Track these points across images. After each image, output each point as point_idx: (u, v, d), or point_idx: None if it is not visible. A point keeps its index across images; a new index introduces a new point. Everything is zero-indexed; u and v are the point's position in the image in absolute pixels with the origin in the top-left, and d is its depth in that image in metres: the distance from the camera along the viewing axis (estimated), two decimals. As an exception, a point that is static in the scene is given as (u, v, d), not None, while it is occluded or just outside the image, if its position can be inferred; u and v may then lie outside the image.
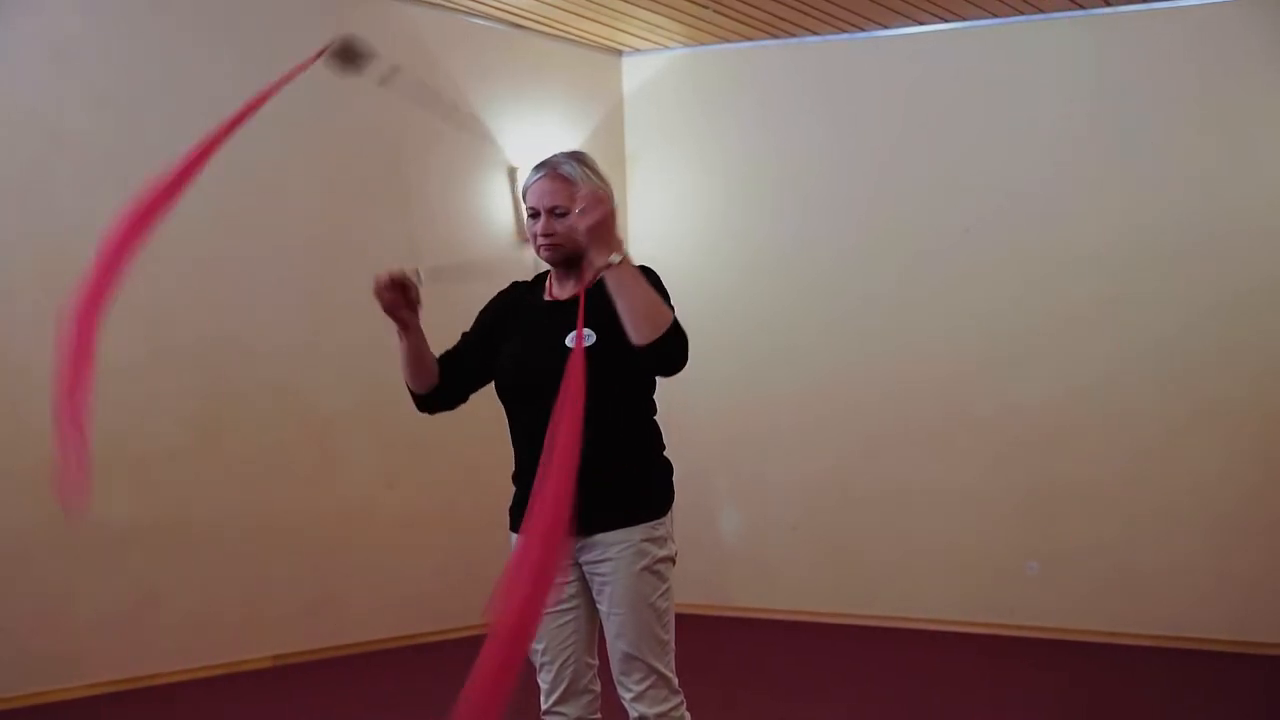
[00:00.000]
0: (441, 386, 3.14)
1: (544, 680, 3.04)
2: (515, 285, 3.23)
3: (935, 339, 6.62)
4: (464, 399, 3.21)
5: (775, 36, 6.85)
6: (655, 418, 3.05)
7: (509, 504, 3.11)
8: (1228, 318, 6.10)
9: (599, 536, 2.90)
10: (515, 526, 3.03)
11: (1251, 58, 6.11)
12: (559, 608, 2.98)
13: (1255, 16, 6.03)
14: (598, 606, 2.97)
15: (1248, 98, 6.13)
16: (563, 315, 2.93)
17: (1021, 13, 6.36)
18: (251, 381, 5.83)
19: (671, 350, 2.77)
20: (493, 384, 3.16)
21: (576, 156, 3.01)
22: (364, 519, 6.23)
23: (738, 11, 6.39)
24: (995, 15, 6.41)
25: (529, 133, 6.80)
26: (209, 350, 5.71)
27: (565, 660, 2.99)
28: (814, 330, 6.88)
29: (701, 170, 7.14)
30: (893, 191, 6.78)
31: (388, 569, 6.27)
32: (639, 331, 2.73)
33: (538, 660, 3.02)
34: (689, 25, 6.66)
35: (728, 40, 6.93)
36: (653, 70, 7.20)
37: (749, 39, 6.90)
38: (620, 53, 7.19)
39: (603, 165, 7.62)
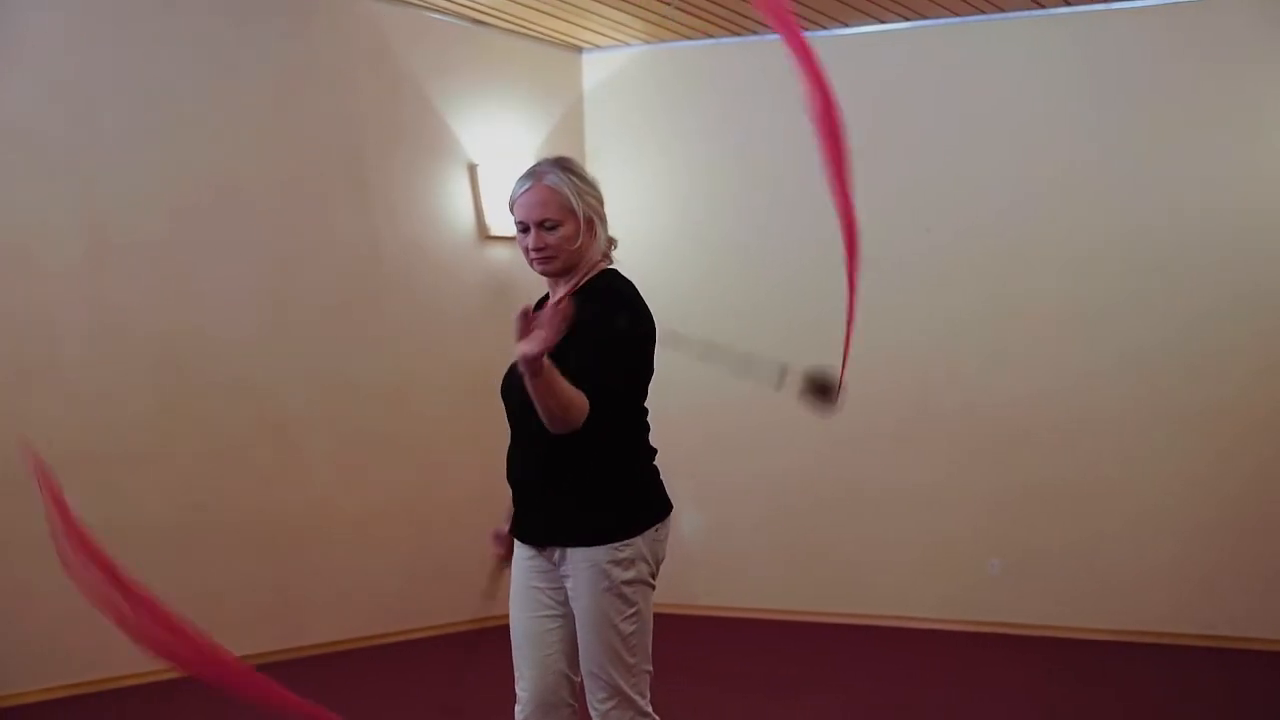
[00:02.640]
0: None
1: (521, 689, 3.00)
2: (542, 299, 3.11)
3: (903, 339, 6.66)
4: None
5: (736, 34, 6.88)
6: (638, 430, 2.97)
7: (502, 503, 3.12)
8: (1202, 323, 6.19)
9: (568, 552, 2.89)
10: (509, 527, 3.07)
11: (1232, 54, 6.18)
12: (542, 613, 2.97)
13: (1238, 11, 6.10)
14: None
15: (1227, 97, 6.19)
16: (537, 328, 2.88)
17: (983, 12, 6.42)
18: (209, 380, 5.79)
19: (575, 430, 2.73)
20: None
21: (562, 164, 2.95)
22: (324, 518, 6.20)
23: (699, 8, 6.42)
24: (957, 14, 6.47)
25: (489, 130, 6.80)
26: (166, 348, 5.67)
27: (546, 669, 2.96)
28: (778, 330, 6.89)
29: (663, 168, 7.15)
30: (858, 190, 6.80)
31: (349, 568, 6.25)
32: (547, 424, 2.70)
33: (517, 668, 3.00)
34: (650, 22, 6.68)
35: (689, 37, 6.95)
36: (613, 67, 7.21)
37: (710, 36, 6.93)
38: (580, 50, 7.20)
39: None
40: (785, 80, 7.00)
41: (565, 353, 2.69)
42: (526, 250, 2.94)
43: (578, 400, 2.68)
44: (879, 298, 6.70)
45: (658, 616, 3.00)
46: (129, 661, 5.35)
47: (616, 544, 2.86)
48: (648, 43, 7.08)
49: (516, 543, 3.03)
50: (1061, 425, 6.42)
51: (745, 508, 6.92)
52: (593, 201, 2.95)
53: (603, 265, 3.00)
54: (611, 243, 3.03)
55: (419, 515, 6.50)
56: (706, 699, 5.10)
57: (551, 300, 2.97)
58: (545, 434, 2.76)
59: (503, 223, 6.81)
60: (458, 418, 6.62)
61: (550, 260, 2.92)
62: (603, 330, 2.80)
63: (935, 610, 6.63)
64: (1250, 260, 6.14)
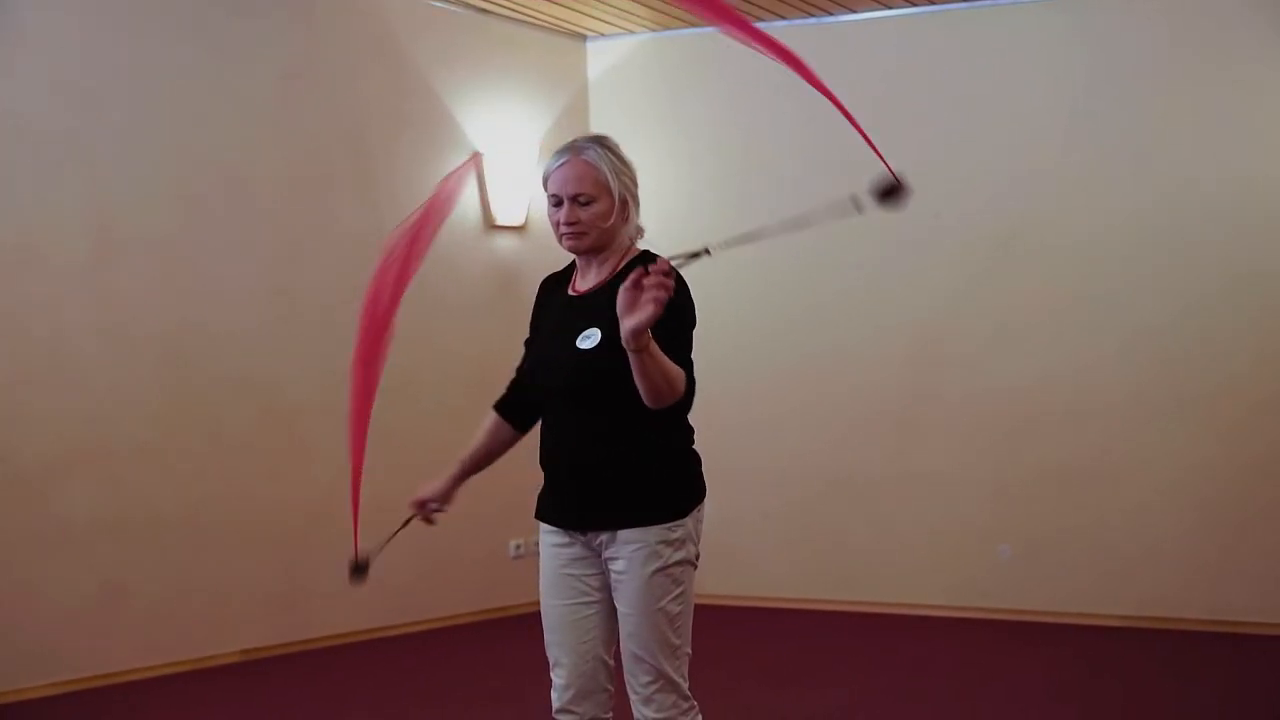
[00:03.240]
0: (523, 422, 3.14)
1: (558, 676, 2.96)
2: (546, 280, 3.15)
3: (909, 325, 6.65)
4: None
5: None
6: (681, 412, 2.94)
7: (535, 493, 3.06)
8: (1206, 307, 6.17)
9: (616, 534, 2.86)
10: (538, 514, 3.03)
11: (1233, 38, 6.16)
12: (579, 599, 2.94)
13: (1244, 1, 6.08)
14: (616, 606, 2.92)
15: (1228, 81, 6.17)
16: (580, 311, 2.91)
17: (987, -4, 6.41)
18: (215, 373, 5.79)
19: (675, 405, 2.75)
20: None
21: (601, 141, 2.94)
22: (332, 510, 6.18)
23: (706, -5, 6.38)
24: (967, 0, 6.47)
25: (493, 118, 6.78)
26: (172, 342, 5.67)
27: (583, 656, 2.93)
28: (786, 318, 6.90)
29: (668, 157, 7.13)
30: (865, 178, 6.78)
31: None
32: (649, 401, 2.69)
33: (552, 655, 2.97)
34: (655, 9, 6.66)
35: (694, 24, 6.93)
36: (617, 55, 7.19)
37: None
38: (585, 38, 7.18)
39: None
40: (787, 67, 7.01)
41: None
42: (557, 225, 2.92)
43: (677, 371, 2.69)
44: (883, 282, 6.71)
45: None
46: (95, 660, 5.38)
47: (669, 524, 2.87)
48: (653, 30, 7.06)
49: (546, 529, 2.99)
50: (1069, 409, 6.41)
51: (752, 496, 6.91)
52: (628, 182, 2.94)
53: (635, 249, 2.98)
54: (639, 231, 3.01)
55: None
56: (715, 688, 5.09)
57: (581, 285, 2.97)
58: (597, 415, 2.81)
59: (508, 212, 6.79)
60: (463, 409, 6.57)
61: (580, 236, 2.89)
62: (675, 310, 2.77)
63: (943, 597, 6.63)
64: (1254, 242, 6.13)
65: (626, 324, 2.51)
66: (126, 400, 5.53)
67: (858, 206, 2.77)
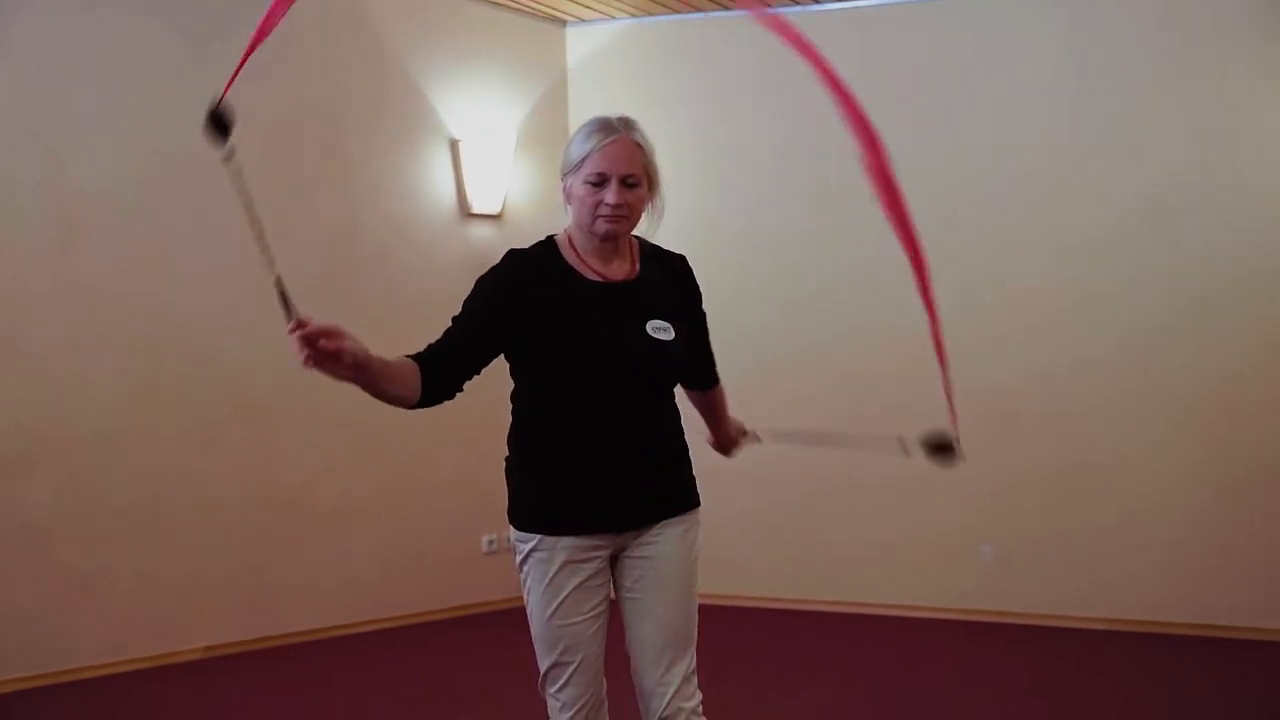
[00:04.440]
0: (434, 388, 2.63)
1: (570, 695, 2.82)
2: (522, 258, 2.83)
3: (894, 324, 6.56)
4: (459, 390, 2.72)
5: (724, 8, 6.76)
6: None
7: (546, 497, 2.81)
8: (1197, 309, 6.12)
9: (666, 521, 2.86)
10: (539, 528, 2.78)
11: (1229, 28, 6.08)
12: (594, 612, 2.82)
13: None
14: (633, 597, 2.83)
15: (1224, 73, 6.10)
16: (628, 299, 2.80)
17: (978, -15, 6.32)
18: (183, 362, 5.68)
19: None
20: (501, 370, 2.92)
21: (631, 122, 2.80)
22: (301, 504, 6.09)
23: (689, -19, 6.29)
24: (951, -13, 6.37)
25: (471, 104, 6.67)
26: (138, 330, 5.56)
27: (595, 670, 2.85)
28: (769, 313, 6.82)
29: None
30: (851, 169, 6.69)
31: (325, 556, 6.14)
32: (700, 409, 3.25)
33: (566, 673, 2.82)
34: (638, -5, 6.56)
35: (676, 11, 6.83)
36: (598, 41, 7.08)
37: (698, 10, 6.80)
38: (565, 23, 7.07)
39: (547, 138, 7.48)
40: (774, 56, 6.93)
41: (679, 322, 2.85)
42: (595, 205, 2.72)
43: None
44: (866, 283, 6.63)
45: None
46: (55, 657, 5.26)
47: (699, 509, 2.95)
48: (634, 16, 6.95)
49: (559, 545, 2.77)
50: (1055, 410, 6.36)
51: (734, 496, 6.83)
52: (658, 170, 2.85)
53: (632, 236, 2.93)
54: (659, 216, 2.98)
55: (397, 502, 6.40)
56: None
57: (606, 271, 2.83)
58: (649, 409, 2.82)
59: (485, 200, 6.68)
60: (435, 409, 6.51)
61: (622, 220, 2.76)
62: (698, 306, 3.01)
63: (927, 599, 6.58)
64: (1247, 243, 6.07)
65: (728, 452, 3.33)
66: (89, 389, 5.41)
67: (905, 450, 2.93)
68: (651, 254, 2.92)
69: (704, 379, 3.13)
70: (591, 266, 2.82)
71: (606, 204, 2.72)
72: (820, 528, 6.78)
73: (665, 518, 2.85)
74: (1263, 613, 6.01)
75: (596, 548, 2.80)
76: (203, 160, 5.67)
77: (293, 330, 2.33)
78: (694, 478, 2.95)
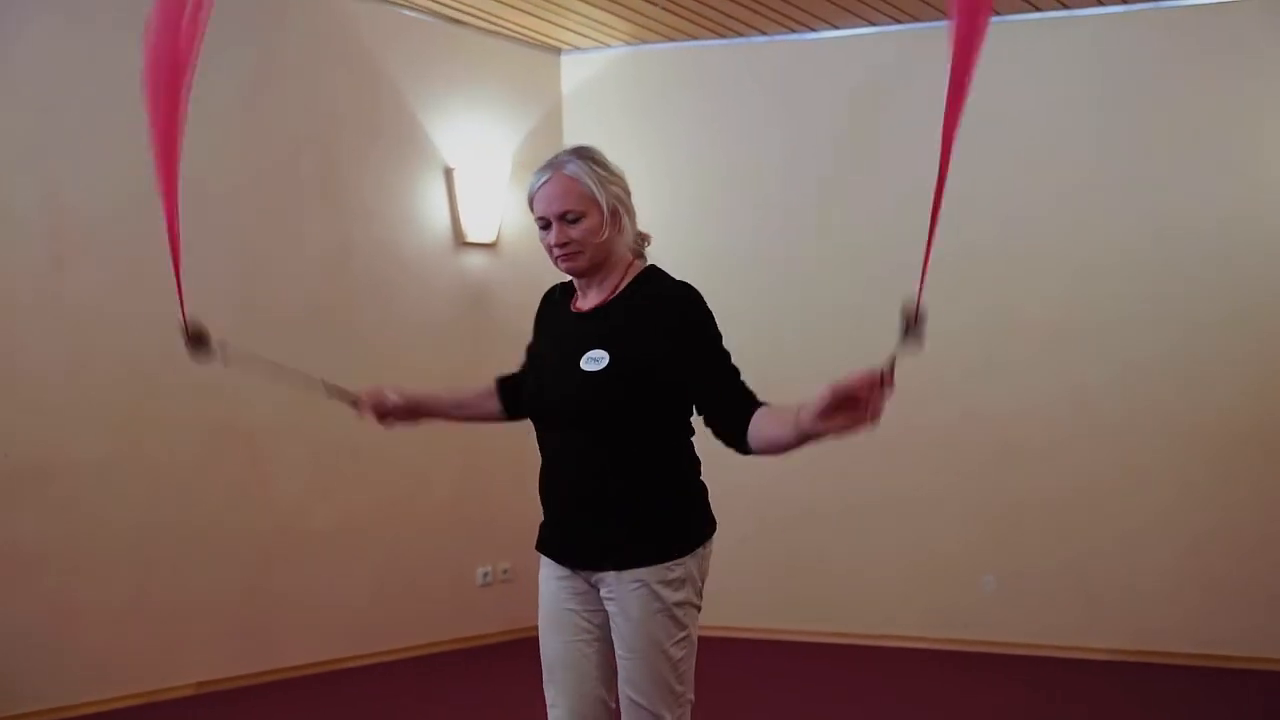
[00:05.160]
0: (514, 406, 3.09)
1: (555, 716, 2.83)
2: (551, 290, 3.01)
3: (887, 350, 6.50)
4: None
5: (722, 36, 6.74)
6: (689, 441, 2.84)
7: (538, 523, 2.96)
8: (1197, 334, 6.09)
9: (611, 573, 2.72)
10: (539, 546, 2.92)
11: (1230, 62, 6.09)
12: (579, 637, 2.81)
13: (1240, 16, 6.01)
14: (615, 645, 2.79)
15: (1227, 106, 6.09)
16: (584, 330, 2.76)
17: (976, 13, 6.28)
18: (175, 388, 5.61)
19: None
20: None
21: (582, 152, 2.79)
22: (295, 532, 6.02)
23: (687, 9, 6.27)
24: (950, 17, 6.32)
25: (466, 132, 6.65)
26: (129, 355, 5.50)
27: (583, 697, 2.80)
28: (766, 338, 6.76)
29: (645, 173, 6.93)
30: (849, 196, 6.70)
31: (320, 587, 6.06)
32: (764, 450, 2.60)
33: (550, 695, 2.84)
34: (634, 23, 6.54)
35: (672, 39, 6.81)
36: (593, 69, 7.07)
37: (694, 38, 6.79)
38: (559, 51, 7.05)
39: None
40: (770, 83, 6.94)
41: (629, 352, 2.66)
42: (550, 249, 2.76)
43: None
44: (867, 307, 6.59)
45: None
46: (39, 693, 5.18)
47: (668, 563, 2.71)
48: (629, 44, 6.94)
49: (546, 562, 2.89)
50: (1055, 438, 6.33)
51: (724, 522, 6.74)
52: (617, 191, 2.79)
53: (639, 264, 2.85)
54: (643, 239, 2.88)
55: (391, 530, 6.33)
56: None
57: (583, 303, 2.82)
58: (597, 449, 2.70)
59: (479, 229, 6.64)
60: (431, 429, 6.41)
61: (575, 256, 2.75)
62: (709, 337, 2.72)
63: (925, 629, 6.51)
64: (1245, 271, 6.06)
65: (832, 426, 2.37)
66: (78, 414, 5.36)
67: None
68: (642, 283, 2.79)
69: (728, 417, 2.64)
70: (577, 298, 2.87)
71: (553, 245, 2.76)
72: (816, 556, 6.71)
73: (611, 567, 2.72)
74: (1265, 641, 5.96)
75: (568, 574, 2.83)
76: (196, 182, 5.66)
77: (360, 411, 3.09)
78: (660, 530, 2.72)
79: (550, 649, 2.84)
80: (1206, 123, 6.12)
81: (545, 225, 2.76)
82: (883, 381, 2.37)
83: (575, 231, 2.73)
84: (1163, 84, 6.21)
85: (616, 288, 2.78)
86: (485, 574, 6.69)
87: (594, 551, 2.74)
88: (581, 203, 2.73)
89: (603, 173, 2.76)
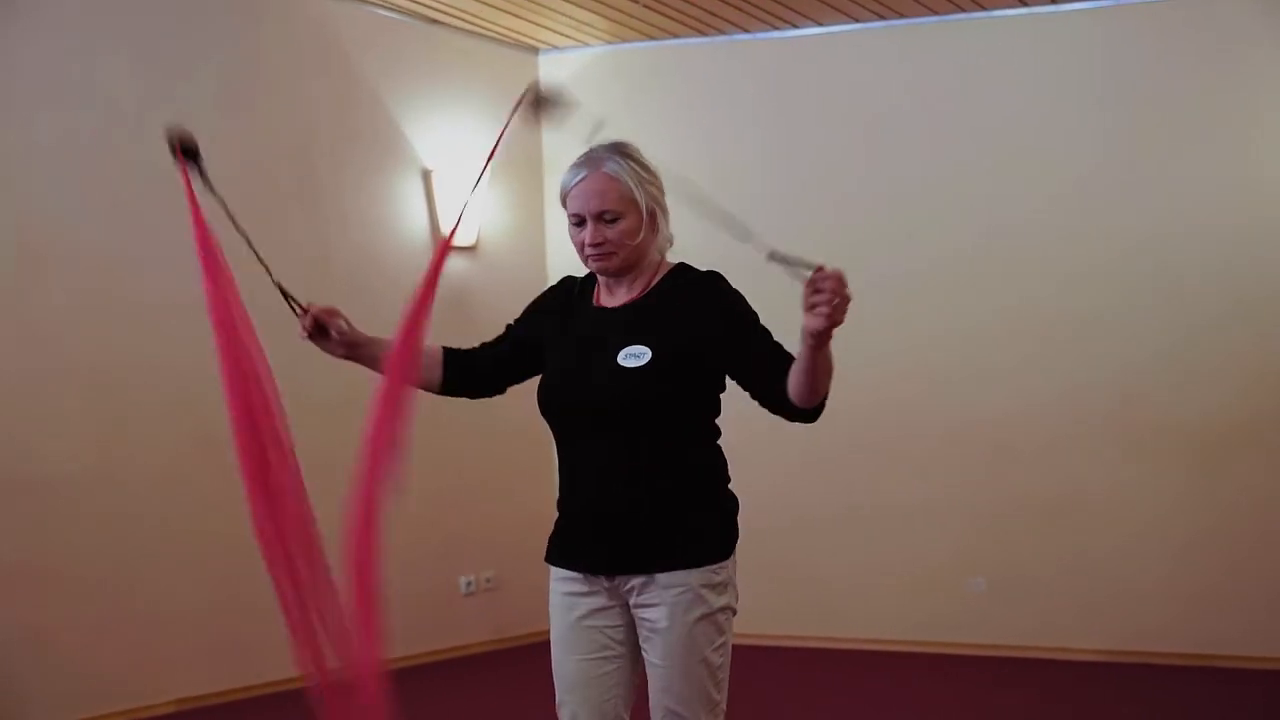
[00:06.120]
0: (454, 378, 2.96)
1: None
2: (567, 280, 2.91)
3: (879, 353, 6.45)
4: (498, 390, 3.00)
5: (703, 34, 6.66)
6: (719, 444, 2.79)
7: (549, 531, 2.82)
8: (1189, 336, 6.06)
9: (654, 578, 2.63)
10: (552, 558, 2.78)
11: (1221, 59, 6.05)
12: (601, 653, 2.70)
13: (1231, 11, 5.97)
14: (645, 655, 2.69)
15: (1219, 104, 6.05)
16: (617, 326, 2.68)
17: (965, 10, 6.23)
18: (148, 400, 5.52)
19: (817, 411, 2.59)
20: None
21: (621, 149, 2.72)
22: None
23: (669, 7, 6.19)
24: (938, 13, 6.28)
25: (444, 133, 6.56)
26: (101, 367, 5.39)
27: (603, 715, 2.70)
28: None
29: (627, 173, 6.91)
30: (835, 197, 6.64)
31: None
32: (803, 398, 2.51)
33: (567, 713, 2.74)
34: (613, 21, 6.46)
35: (652, 37, 6.73)
36: (571, 68, 6.98)
37: (675, 35, 6.71)
38: (538, 50, 6.96)
39: (521, 167, 7.36)
40: (752, 81, 6.87)
41: (671, 348, 2.59)
42: (581, 246, 2.70)
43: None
44: (855, 312, 6.51)
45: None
46: (43, 711, 5.08)
47: (714, 566, 2.66)
48: (608, 43, 6.85)
49: (562, 575, 2.75)
50: (1045, 441, 6.29)
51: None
52: (655, 191, 2.73)
53: (668, 263, 2.79)
54: (670, 241, 2.81)
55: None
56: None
57: (609, 300, 2.74)
58: (636, 442, 2.61)
59: (459, 232, 6.53)
60: (422, 428, 6.34)
61: (609, 257, 2.68)
62: (743, 313, 2.68)
63: (918, 633, 6.46)
64: (1238, 272, 6.02)
65: (810, 324, 2.36)
66: (49, 430, 5.25)
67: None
68: (674, 278, 2.75)
69: (775, 383, 2.57)
70: (598, 294, 2.79)
71: (586, 244, 2.68)
72: (807, 561, 6.65)
73: (654, 570, 2.63)
74: (1258, 640, 5.93)
75: (588, 588, 2.70)
76: (163, 195, 5.54)
77: (303, 313, 2.99)
78: (706, 532, 2.69)
79: (569, 668, 2.72)
80: (1197, 120, 6.07)
81: (579, 223, 2.69)
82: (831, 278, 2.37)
83: (612, 232, 2.66)
84: (1153, 81, 6.16)
85: (648, 285, 2.72)
86: (469, 583, 6.59)
87: (636, 556, 2.63)
88: (620, 203, 2.66)
89: (642, 173, 2.71)
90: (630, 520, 2.63)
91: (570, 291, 2.85)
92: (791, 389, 2.50)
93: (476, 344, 3.03)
